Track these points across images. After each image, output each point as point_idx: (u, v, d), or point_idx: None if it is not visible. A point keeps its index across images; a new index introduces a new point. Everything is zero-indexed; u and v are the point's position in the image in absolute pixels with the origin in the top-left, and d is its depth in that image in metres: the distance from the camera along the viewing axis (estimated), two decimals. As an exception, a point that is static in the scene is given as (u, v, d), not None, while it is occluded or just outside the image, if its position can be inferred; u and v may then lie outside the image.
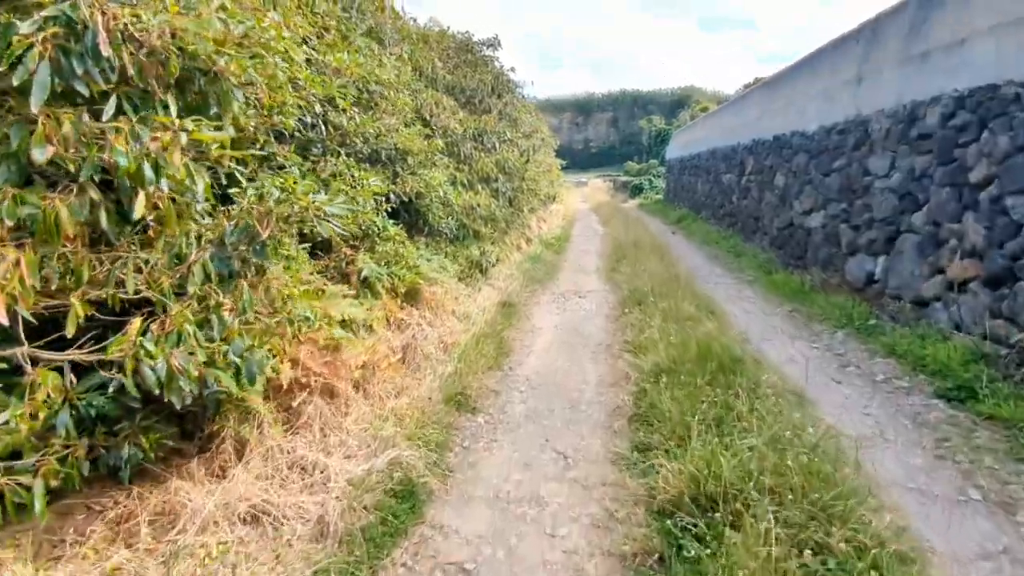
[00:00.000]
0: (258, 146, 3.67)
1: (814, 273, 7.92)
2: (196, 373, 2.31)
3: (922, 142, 6.00)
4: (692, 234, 15.17)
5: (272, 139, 4.21)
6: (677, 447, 3.37)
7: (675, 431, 3.56)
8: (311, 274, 4.19)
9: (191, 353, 2.32)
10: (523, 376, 5.17)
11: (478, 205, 8.03)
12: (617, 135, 69.35)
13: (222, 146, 2.59)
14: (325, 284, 4.33)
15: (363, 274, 4.98)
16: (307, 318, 3.49)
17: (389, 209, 6.15)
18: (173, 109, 2.37)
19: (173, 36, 2.36)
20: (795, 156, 9.55)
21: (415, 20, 8.75)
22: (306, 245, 4.22)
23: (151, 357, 2.21)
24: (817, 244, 8.34)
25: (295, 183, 2.97)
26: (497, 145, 9.18)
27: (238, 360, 2.56)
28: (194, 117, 2.44)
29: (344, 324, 4.15)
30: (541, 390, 4.86)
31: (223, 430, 2.99)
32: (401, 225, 6.87)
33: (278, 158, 4.28)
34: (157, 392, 2.23)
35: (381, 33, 7.76)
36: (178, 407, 2.33)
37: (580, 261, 11.16)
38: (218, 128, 2.55)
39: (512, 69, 10.55)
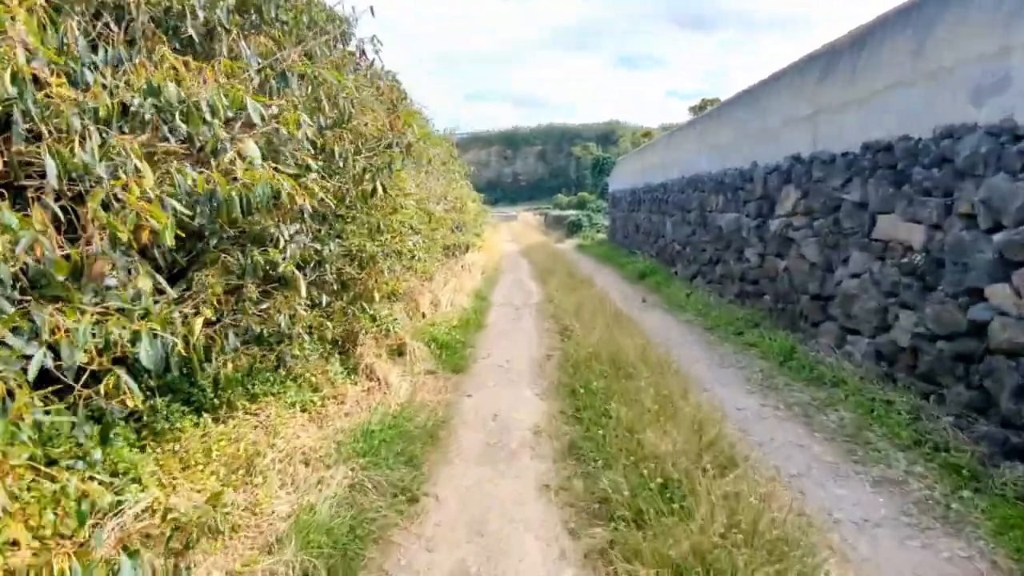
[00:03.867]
0: None
1: None
2: None
3: None
4: (677, 307, 9.55)
5: None
6: None
7: None
8: None
9: None
10: None
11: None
12: (546, 168, 66.40)
13: None
14: None
15: None
16: None
17: None
18: None
19: None
20: (987, 179, 4.10)
21: None
22: None
23: None
24: None
25: None
26: (228, 149, 3.08)
27: None
28: None
29: None
30: None
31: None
32: None
33: None
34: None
35: None
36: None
37: (500, 403, 5.08)
38: None
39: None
